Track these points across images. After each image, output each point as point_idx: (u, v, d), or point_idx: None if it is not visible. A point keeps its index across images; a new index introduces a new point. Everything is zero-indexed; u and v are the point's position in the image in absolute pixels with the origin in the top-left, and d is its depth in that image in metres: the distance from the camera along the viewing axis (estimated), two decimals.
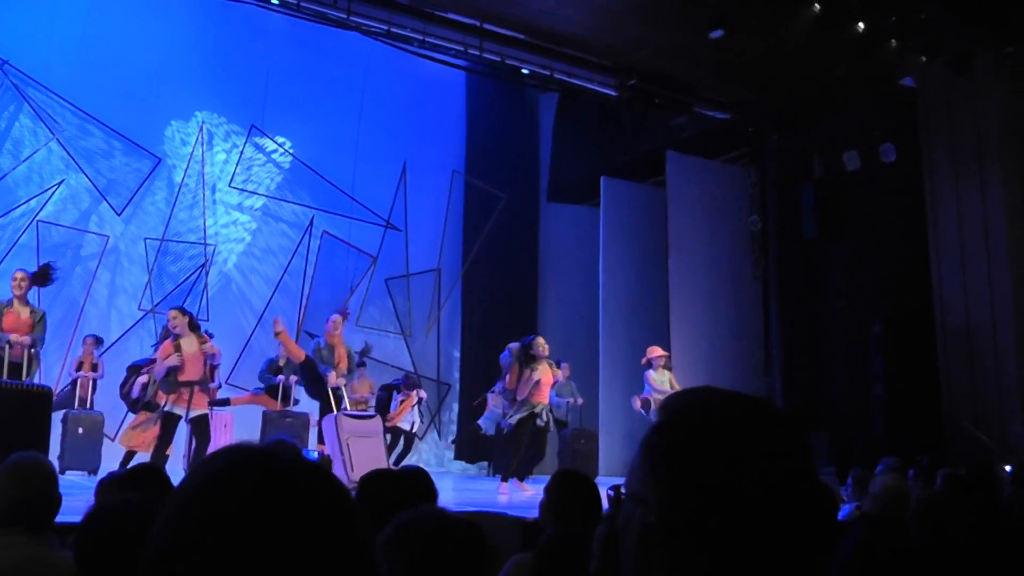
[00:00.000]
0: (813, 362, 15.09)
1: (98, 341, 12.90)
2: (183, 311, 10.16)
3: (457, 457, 16.11)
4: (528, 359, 11.34)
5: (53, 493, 3.11)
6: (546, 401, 11.56)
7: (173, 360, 9.73)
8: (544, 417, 11.55)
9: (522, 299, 17.25)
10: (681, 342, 14.49)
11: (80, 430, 11.68)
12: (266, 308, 15.56)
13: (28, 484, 3.04)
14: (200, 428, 9.93)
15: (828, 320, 15.17)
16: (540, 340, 11.54)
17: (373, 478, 3.79)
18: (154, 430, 10.76)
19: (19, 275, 9.77)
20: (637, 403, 12.99)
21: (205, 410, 10.04)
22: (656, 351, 12.91)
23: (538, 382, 11.30)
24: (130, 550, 2.51)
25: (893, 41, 12.49)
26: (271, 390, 12.80)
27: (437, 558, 2.21)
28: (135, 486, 3.15)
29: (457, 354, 16.94)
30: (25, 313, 9.66)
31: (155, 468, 3.62)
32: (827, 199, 14.90)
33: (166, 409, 9.82)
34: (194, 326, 10.17)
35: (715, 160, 16.18)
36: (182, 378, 9.77)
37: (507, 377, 11.41)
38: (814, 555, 1.08)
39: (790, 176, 15.35)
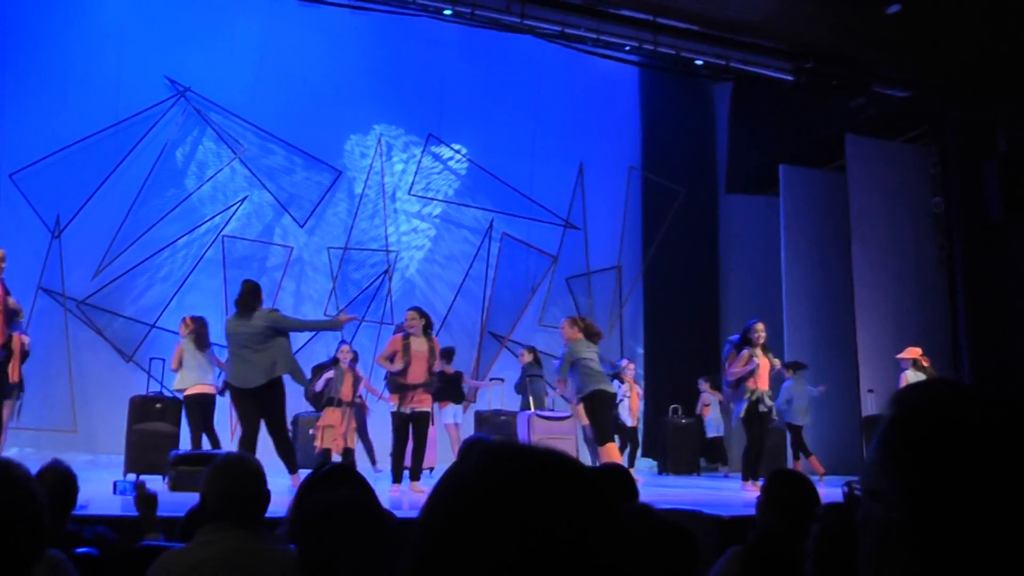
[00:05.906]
0: (1004, 351, 14.39)
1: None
2: (421, 312, 10.21)
3: (645, 454, 15.96)
4: (744, 342, 11.10)
5: (261, 489, 3.25)
6: (766, 388, 11.13)
7: (397, 365, 9.88)
8: (767, 403, 11.13)
9: (704, 293, 17.13)
10: (867, 332, 14.19)
11: None
12: (448, 312, 15.90)
13: (236, 482, 3.18)
14: (420, 425, 10.04)
15: (1018, 306, 14.47)
16: (759, 325, 11.20)
17: None
18: (341, 428, 11.24)
19: None
20: None
21: (427, 408, 10.09)
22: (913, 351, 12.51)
23: (757, 367, 10.98)
24: (362, 540, 2.62)
25: None
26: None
27: (655, 556, 2.22)
28: (337, 484, 3.26)
29: (641, 350, 16.90)
30: None
31: (347, 466, 3.77)
32: (1013, 176, 14.22)
33: (393, 410, 10.05)
34: (428, 328, 10.19)
35: (894, 141, 15.71)
36: (407, 381, 9.90)
37: (731, 367, 11.14)
38: None
39: (973, 153, 14.73)
